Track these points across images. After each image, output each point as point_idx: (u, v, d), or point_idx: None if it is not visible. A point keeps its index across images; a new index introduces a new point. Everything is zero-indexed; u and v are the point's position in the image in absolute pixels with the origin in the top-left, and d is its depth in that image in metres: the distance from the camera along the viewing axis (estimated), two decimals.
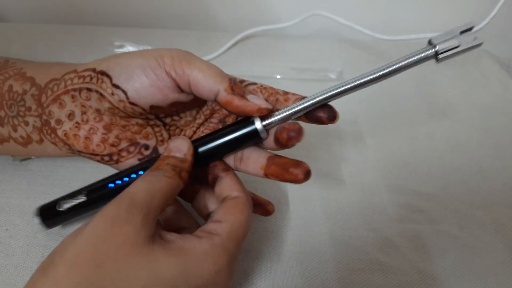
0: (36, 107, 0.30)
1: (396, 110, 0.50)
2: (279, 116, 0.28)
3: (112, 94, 0.28)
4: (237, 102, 0.27)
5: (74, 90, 0.29)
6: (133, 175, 0.29)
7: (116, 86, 0.27)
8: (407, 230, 0.36)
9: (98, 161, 0.31)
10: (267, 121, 0.28)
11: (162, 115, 0.31)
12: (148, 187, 0.24)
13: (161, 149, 0.32)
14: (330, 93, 0.27)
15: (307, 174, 0.28)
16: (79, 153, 0.30)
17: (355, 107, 0.50)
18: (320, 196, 0.39)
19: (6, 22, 0.67)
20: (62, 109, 0.29)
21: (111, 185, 0.29)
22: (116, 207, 0.22)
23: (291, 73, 0.54)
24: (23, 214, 0.36)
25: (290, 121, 0.28)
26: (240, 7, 0.64)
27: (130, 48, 0.56)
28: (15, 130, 0.31)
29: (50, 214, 0.31)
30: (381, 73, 0.26)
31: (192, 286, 0.22)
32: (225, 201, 0.27)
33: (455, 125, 0.48)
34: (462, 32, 0.25)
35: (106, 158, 0.30)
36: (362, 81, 0.26)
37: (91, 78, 0.28)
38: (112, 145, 0.30)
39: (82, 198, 0.29)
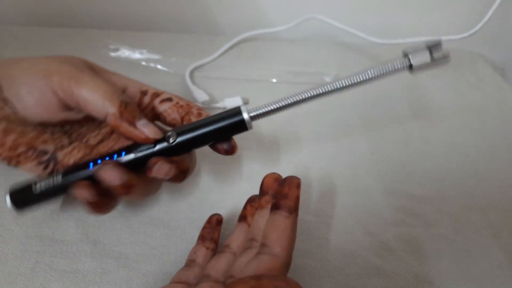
0: None
1: (391, 113, 0.50)
2: (264, 109, 0.28)
3: (2, 107, 0.28)
4: (124, 128, 0.27)
5: None
6: (107, 158, 0.29)
7: (5, 99, 0.27)
8: (402, 234, 0.36)
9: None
10: (254, 113, 0.28)
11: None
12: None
13: (60, 155, 0.31)
14: (309, 94, 0.28)
15: None
16: None
17: (349, 110, 0.50)
18: (315, 200, 0.39)
19: (0, 25, 0.66)
20: None
21: (86, 167, 0.29)
22: None
23: (287, 77, 0.54)
24: (16, 219, 0.35)
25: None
26: (236, 10, 0.64)
27: (125, 51, 0.56)
28: None
29: (23, 197, 0.30)
30: (356, 80, 0.28)
31: None
32: (257, 258, 0.24)
33: (450, 128, 0.48)
34: (431, 47, 0.28)
35: (5, 162, 0.30)
36: (341, 85, 0.28)
37: None
38: (10, 149, 0.29)
39: (58, 181, 0.29)
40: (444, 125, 0.49)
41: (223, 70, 0.55)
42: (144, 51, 0.56)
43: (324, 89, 0.28)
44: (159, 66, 0.55)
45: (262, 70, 0.55)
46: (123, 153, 0.29)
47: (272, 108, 0.28)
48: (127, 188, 0.27)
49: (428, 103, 0.52)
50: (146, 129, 0.27)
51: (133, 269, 0.33)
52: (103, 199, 0.29)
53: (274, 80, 0.54)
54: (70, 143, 0.32)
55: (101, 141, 0.32)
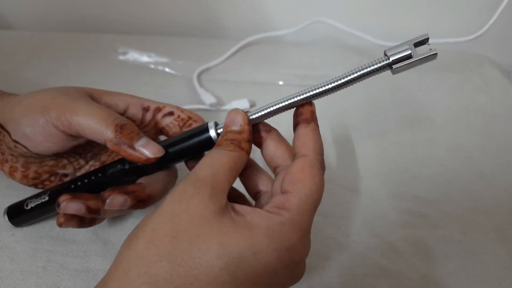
0: None
1: (397, 116, 0.50)
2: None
3: (16, 147, 0.29)
4: (123, 152, 0.27)
5: None
6: (93, 177, 0.30)
7: (15, 141, 0.29)
8: (409, 235, 0.37)
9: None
10: (220, 130, 0.27)
11: None
12: (210, 163, 0.24)
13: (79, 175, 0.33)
14: (281, 105, 0.27)
15: None
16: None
17: (355, 113, 0.50)
18: (322, 202, 0.39)
19: (12, 30, 0.68)
20: None
21: (72, 186, 0.30)
22: (183, 184, 0.23)
23: (293, 80, 0.55)
24: None
25: None
26: (242, 14, 0.65)
27: (134, 55, 0.57)
28: None
29: (17, 213, 0.32)
30: (335, 84, 0.27)
31: (262, 262, 0.22)
32: (292, 163, 0.26)
33: (456, 131, 0.49)
34: (416, 44, 0.25)
35: (32, 188, 0.32)
36: (311, 93, 0.26)
37: None
38: (34, 178, 0.32)
39: (45, 198, 0.31)
40: (450, 128, 0.49)
41: (230, 73, 0.55)
42: (152, 54, 0.57)
43: (286, 102, 0.27)
44: (167, 69, 0.56)
45: (268, 73, 0.56)
46: (99, 174, 0.30)
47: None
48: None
49: (434, 106, 0.52)
50: (146, 149, 0.27)
51: None
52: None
53: (280, 83, 0.54)
54: (86, 163, 0.34)
55: (110, 156, 0.34)
